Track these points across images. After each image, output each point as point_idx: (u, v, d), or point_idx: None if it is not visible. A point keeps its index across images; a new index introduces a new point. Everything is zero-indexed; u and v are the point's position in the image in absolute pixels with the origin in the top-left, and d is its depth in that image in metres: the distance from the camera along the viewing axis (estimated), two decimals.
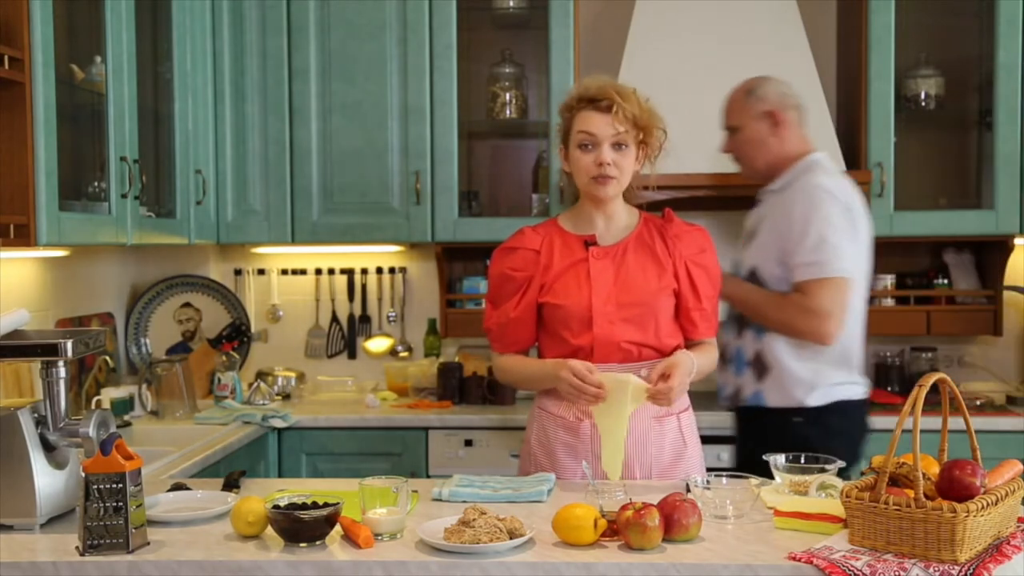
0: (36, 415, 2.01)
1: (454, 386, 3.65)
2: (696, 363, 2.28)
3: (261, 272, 3.99)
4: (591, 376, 2.20)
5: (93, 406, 3.17)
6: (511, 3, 3.77)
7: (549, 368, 2.30)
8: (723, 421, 2.93)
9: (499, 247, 2.43)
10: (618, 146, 2.28)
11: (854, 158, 3.58)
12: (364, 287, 3.99)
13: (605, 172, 2.28)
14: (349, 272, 3.98)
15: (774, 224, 2.67)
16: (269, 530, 1.86)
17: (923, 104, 3.64)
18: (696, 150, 3.06)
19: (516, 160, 3.95)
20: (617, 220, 2.38)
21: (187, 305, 3.84)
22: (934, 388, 1.73)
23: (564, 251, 2.36)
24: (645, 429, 2.31)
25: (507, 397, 3.68)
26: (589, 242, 2.35)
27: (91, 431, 1.98)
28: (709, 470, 2.31)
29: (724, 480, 2.10)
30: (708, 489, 2.01)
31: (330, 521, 1.82)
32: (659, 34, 3.58)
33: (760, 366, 2.67)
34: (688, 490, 2.06)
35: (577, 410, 2.32)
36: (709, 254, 2.39)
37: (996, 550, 1.72)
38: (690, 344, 2.40)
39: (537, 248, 2.36)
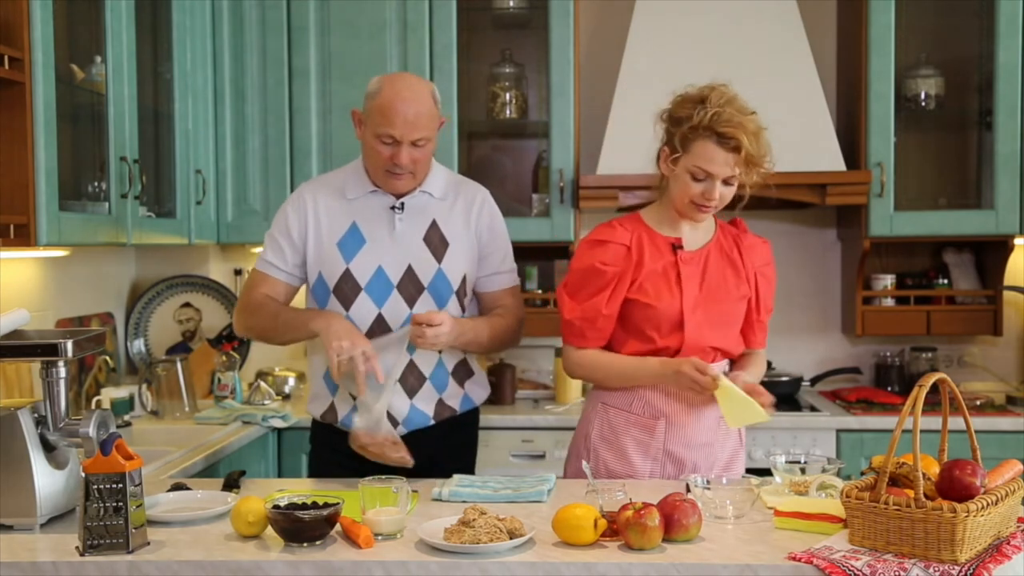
0: (36, 415, 2.01)
1: None
2: (746, 380, 2.32)
3: None
4: (711, 371, 2.23)
5: (93, 406, 3.17)
6: (511, 3, 3.76)
7: (655, 367, 2.31)
8: None
9: (586, 239, 2.41)
10: (728, 181, 2.27)
11: (854, 158, 3.59)
12: None
13: (709, 204, 2.28)
14: None
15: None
16: (269, 530, 1.86)
17: (923, 104, 3.64)
18: None
19: (516, 160, 3.95)
20: (700, 226, 2.40)
21: (187, 305, 3.84)
22: (934, 388, 1.73)
23: (653, 251, 2.36)
24: (712, 430, 2.36)
25: (507, 397, 3.68)
26: (676, 246, 2.37)
27: (91, 431, 1.98)
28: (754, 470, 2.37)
29: (724, 480, 2.11)
30: (708, 489, 2.02)
31: (330, 521, 1.82)
32: (659, 34, 3.58)
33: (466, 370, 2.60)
34: (688, 490, 2.06)
35: (654, 409, 2.35)
36: (771, 267, 2.45)
37: (996, 550, 1.72)
38: (744, 352, 2.47)
39: (628, 244, 2.36)
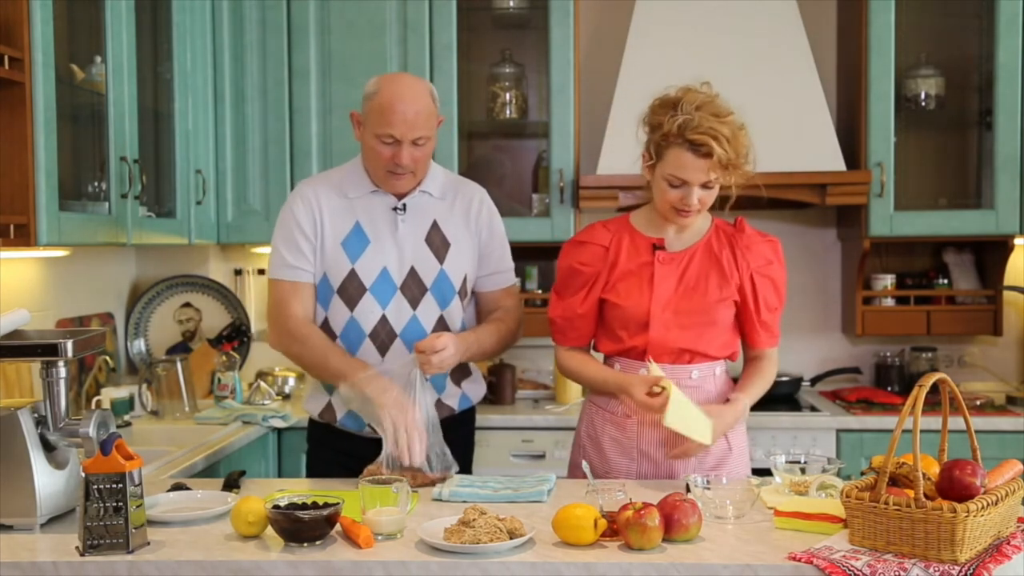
0: (36, 415, 2.01)
1: None
2: (746, 404, 2.34)
3: (261, 272, 3.98)
4: (655, 402, 2.21)
5: (93, 406, 3.17)
6: (511, 3, 3.77)
7: (612, 384, 2.33)
8: None
9: (569, 240, 2.45)
10: (707, 185, 2.25)
11: (854, 158, 3.59)
12: None
13: (689, 210, 2.27)
14: None
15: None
16: (269, 530, 1.86)
17: (923, 104, 3.64)
18: None
19: (516, 160, 3.95)
20: (691, 226, 2.38)
21: (187, 305, 3.84)
22: (934, 388, 1.73)
23: (632, 251, 2.36)
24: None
25: (507, 397, 3.68)
26: (657, 246, 2.35)
27: (91, 431, 1.98)
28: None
29: (724, 480, 2.11)
30: (708, 489, 2.02)
31: (330, 521, 1.82)
32: (659, 34, 3.58)
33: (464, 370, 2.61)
34: (688, 490, 2.06)
35: (625, 406, 2.35)
36: (776, 266, 2.40)
37: (996, 550, 1.72)
38: (751, 355, 2.44)
39: (606, 245, 2.37)
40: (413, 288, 2.43)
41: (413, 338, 2.40)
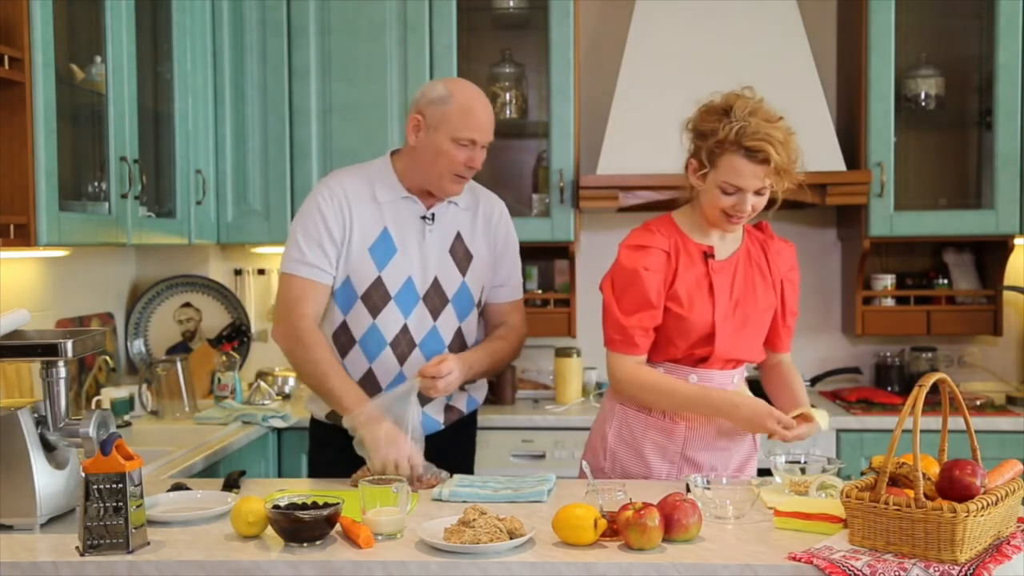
0: (36, 415, 2.01)
1: None
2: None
3: (261, 272, 3.98)
4: (795, 426, 2.24)
5: (93, 406, 3.17)
6: (511, 3, 3.77)
7: (744, 410, 2.26)
8: None
9: (627, 243, 2.33)
10: (760, 191, 2.23)
11: (854, 158, 3.59)
12: None
13: (741, 216, 2.25)
14: None
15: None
16: (269, 530, 1.86)
17: (923, 104, 3.64)
18: None
19: (516, 160, 3.95)
20: (731, 232, 2.37)
21: (187, 305, 3.84)
22: (934, 388, 1.73)
23: (687, 259, 2.31)
24: (729, 434, 2.35)
25: (507, 397, 3.68)
26: (708, 254, 2.32)
27: (91, 431, 1.98)
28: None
29: (724, 480, 2.11)
30: (708, 489, 2.02)
31: (330, 521, 1.82)
32: (659, 34, 3.58)
33: None
34: (688, 490, 2.06)
35: (674, 413, 2.34)
36: (796, 271, 2.43)
37: (996, 550, 1.72)
38: (774, 360, 2.48)
39: (668, 250, 2.30)
40: (435, 299, 2.43)
41: (432, 348, 2.42)
